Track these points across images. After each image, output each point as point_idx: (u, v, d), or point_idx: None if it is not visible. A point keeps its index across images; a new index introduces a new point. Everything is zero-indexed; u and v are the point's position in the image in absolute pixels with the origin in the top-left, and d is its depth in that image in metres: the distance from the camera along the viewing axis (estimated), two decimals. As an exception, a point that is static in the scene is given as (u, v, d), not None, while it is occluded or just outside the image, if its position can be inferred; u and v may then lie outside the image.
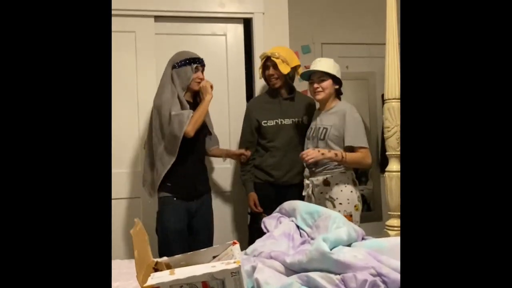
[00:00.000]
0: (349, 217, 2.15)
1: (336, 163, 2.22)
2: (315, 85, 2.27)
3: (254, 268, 1.31)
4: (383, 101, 2.08)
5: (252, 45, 2.81)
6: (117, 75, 2.50)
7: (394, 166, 2.00)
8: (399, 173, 1.95)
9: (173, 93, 2.22)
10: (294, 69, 2.49)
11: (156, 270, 1.22)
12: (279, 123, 2.48)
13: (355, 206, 2.22)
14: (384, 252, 1.31)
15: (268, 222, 1.83)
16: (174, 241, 2.20)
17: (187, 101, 2.26)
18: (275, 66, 2.42)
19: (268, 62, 2.45)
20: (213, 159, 2.69)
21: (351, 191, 2.22)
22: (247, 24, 2.84)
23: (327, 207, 2.04)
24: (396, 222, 1.97)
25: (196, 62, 2.26)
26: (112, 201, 2.51)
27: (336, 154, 2.14)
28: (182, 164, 2.22)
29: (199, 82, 2.26)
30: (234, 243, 1.30)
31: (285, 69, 2.41)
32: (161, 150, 2.23)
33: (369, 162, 2.24)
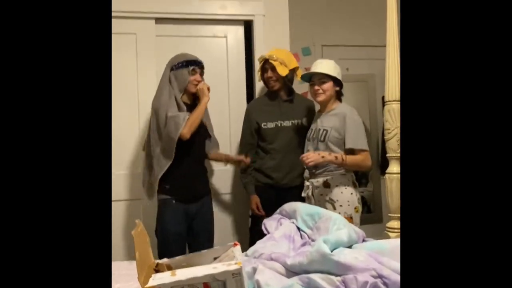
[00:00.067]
0: (349, 219, 2.15)
1: (336, 165, 2.22)
2: (316, 87, 2.27)
3: (254, 270, 1.31)
4: (383, 103, 2.09)
5: (252, 47, 2.81)
6: (118, 77, 2.51)
7: (394, 168, 2.00)
8: (400, 175, 1.95)
9: (171, 95, 2.22)
10: (293, 71, 2.49)
11: (157, 271, 1.22)
12: (279, 125, 2.49)
13: (355, 208, 2.22)
14: (385, 254, 1.31)
15: (269, 223, 1.83)
16: (173, 243, 2.20)
17: (186, 103, 2.27)
18: (273, 68, 2.43)
19: (266, 64, 2.47)
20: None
21: (351, 193, 2.22)
22: (248, 26, 2.84)
23: (327, 209, 2.04)
24: (396, 224, 1.97)
25: (193, 64, 2.26)
26: (113, 202, 2.51)
27: (336, 157, 2.14)
28: (181, 166, 2.22)
29: (197, 85, 2.26)
30: (235, 244, 1.30)
31: (283, 71, 2.41)
32: (158, 152, 2.23)
33: (369, 164, 2.24)
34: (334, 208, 2.18)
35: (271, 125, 2.49)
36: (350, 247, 1.43)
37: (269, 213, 2.07)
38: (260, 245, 1.60)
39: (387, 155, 2.04)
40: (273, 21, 2.80)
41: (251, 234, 2.50)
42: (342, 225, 1.56)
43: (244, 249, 1.52)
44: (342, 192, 2.21)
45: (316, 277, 1.25)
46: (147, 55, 2.64)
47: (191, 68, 2.24)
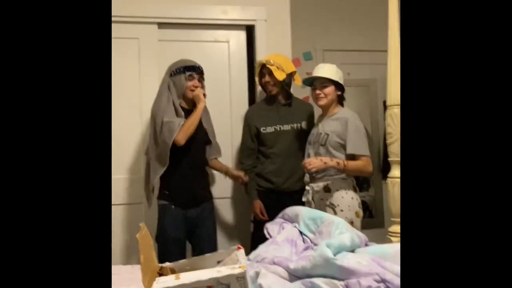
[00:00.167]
0: (350, 223, 2.14)
1: (337, 170, 2.22)
2: (317, 91, 2.28)
3: (257, 274, 1.31)
4: (385, 108, 2.09)
5: (254, 52, 2.82)
6: (120, 81, 2.52)
7: (396, 172, 2.00)
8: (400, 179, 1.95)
9: (169, 101, 2.24)
10: (290, 75, 2.51)
11: (160, 274, 1.22)
12: (278, 129, 2.50)
13: (356, 213, 2.22)
14: (388, 258, 1.31)
15: (271, 227, 1.83)
16: (173, 249, 2.20)
17: (186, 109, 2.27)
18: (270, 73, 2.45)
19: (264, 69, 2.48)
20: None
21: (352, 198, 2.22)
22: (250, 31, 2.86)
23: (328, 214, 2.05)
24: (398, 228, 1.97)
25: (190, 70, 2.27)
26: (115, 206, 2.52)
27: (338, 163, 2.15)
28: (179, 171, 2.23)
29: (194, 90, 2.27)
30: (239, 248, 1.30)
31: (280, 76, 2.43)
32: (154, 157, 2.25)
33: (370, 170, 2.25)
34: (335, 213, 2.18)
35: (270, 129, 2.49)
36: (352, 251, 1.44)
37: (271, 217, 2.07)
38: (262, 249, 1.60)
39: (389, 159, 2.04)
40: (275, 26, 2.81)
41: (253, 239, 2.50)
42: (344, 229, 1.56)
43: (246, 253, 1.52)
44: (342, 197, 2.21)
45: (319, 281, 1.25)
46: (150, 60, 2.65)
47: (188, 73, 2.25)
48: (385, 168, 3.27)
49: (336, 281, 1.25)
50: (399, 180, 1.98)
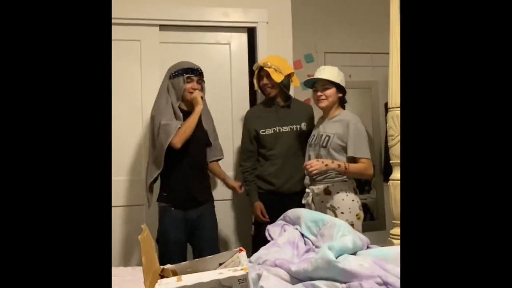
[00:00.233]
0: (351, 226, 2.14)
1: (338, 173, 2.22)
2: (318, 93, 2.28)
3: (259, 276, 1.30)
4: (386, 110, 2.09)
5: (255, 54, 2.82)
6: (121, 83, 2.52)
7: (398, 174, 2.00)
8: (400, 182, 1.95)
9: (167, 103, 2.24)
10: (288, 77, 2.51)
11: (162, 276, 1.22)
12: (277, 131, 2.50)
13: (356, 215, 2.21)
14: (390, 261, 1.31)
15: (272, 230, 1.82)
16: (173, 250, 2.20)
17: (186, 111, 2.27)
18: (268, 75, 2.45)
19: (262, 72, 2.49)
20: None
21: (353, 200, 2.22)
22: (251, 33, 2.86)
23: (329, 216, 2.04)
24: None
25: (189, 72, 2.27)
26: (115, 208, 2.51)
27: (339, 165, 2.14)
28: (178, 173, 2.24)
29: (192, 93, 2.27)
30: (241, 250, 1.30)
31: (278, 78, 2.43)
32: (151, 160, 2.25)
33: (371, 173, 2.25)
34: (335, 215, 2.17)
35: (269, 131, 2.49)
36: (354, 254, 1.43)
37: (272, 219, 2.07)
38: (263, 252, 1.60)
39: (391, 161, 2.04)
40: (276, 28, 2.82)
41: (254, 241, 2.50)
42: (346, 231, 1.56)
43: (247, 255, 1.52)
44: (343, 199, 2.21)
45: (321, 284, 1.25)
46: (151, 62, 2.65)
47: (186, 76, 2.25)
48: (386, 171, 3.27)
49: (338, 284, 1.24)
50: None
